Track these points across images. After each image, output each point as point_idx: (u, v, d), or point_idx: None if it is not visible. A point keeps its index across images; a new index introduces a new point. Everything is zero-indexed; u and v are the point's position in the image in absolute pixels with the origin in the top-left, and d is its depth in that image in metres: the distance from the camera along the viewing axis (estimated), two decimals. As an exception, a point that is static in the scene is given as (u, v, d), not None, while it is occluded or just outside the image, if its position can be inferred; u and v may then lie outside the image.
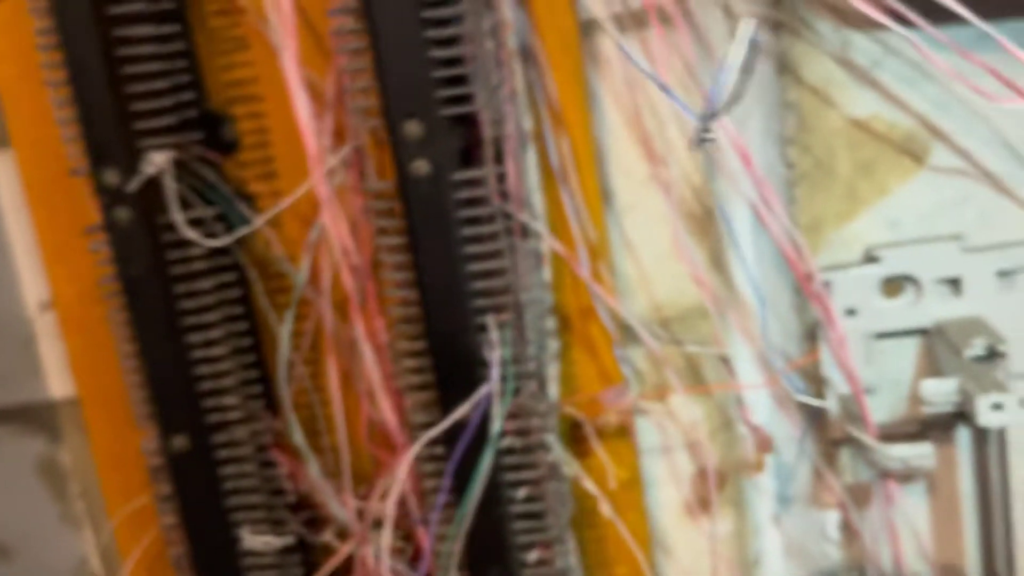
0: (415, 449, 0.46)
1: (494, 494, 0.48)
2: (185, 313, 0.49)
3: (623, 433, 0.53)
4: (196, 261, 0.49)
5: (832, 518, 0.59)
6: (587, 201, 0.51)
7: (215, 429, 0.50)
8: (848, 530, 0.59)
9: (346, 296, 0.50)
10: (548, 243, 0.50)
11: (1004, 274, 0.53)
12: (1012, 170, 0.52)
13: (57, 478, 0.66)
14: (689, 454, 0.58)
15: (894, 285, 0.55)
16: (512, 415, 0.48)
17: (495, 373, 0.45)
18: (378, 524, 0.53)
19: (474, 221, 0.46)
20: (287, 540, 0.52)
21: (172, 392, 0.49)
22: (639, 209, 0.56)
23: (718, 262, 0.57)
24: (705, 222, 0.57)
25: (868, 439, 0.50)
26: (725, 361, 0.50)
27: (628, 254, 0.56)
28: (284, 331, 0.51)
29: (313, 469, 0.52)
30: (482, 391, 0.45)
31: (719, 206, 0.56)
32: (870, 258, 0.54)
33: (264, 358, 0.53)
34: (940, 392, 0.48)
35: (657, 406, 0.57)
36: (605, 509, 0.52)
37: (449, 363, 0.46)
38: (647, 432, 0.58)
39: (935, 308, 0.54)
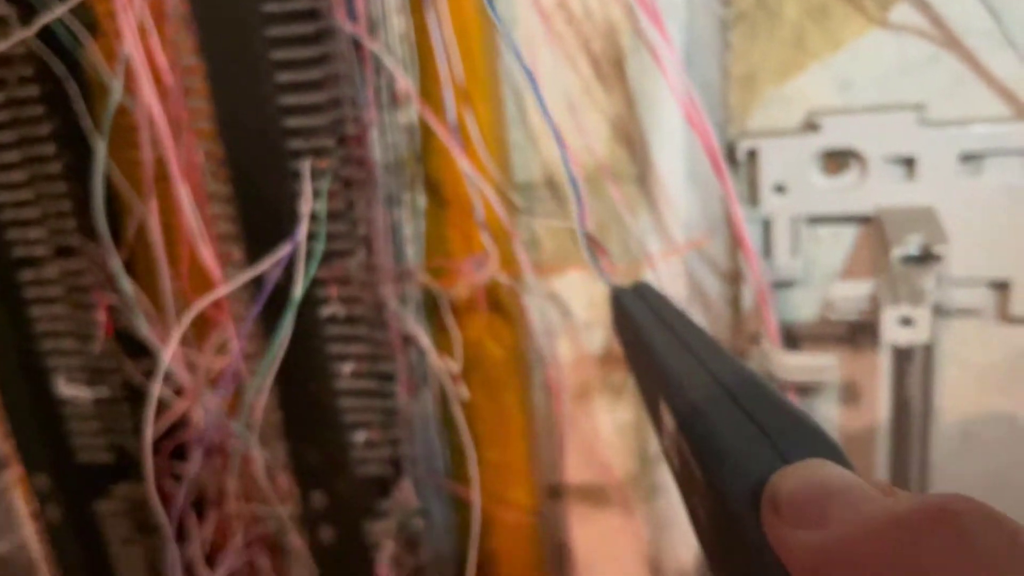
0: (207, 300, 0.39)
1: (317, 366, 0.42)
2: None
3: (497, 307, 0.46)
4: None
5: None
6: (459, 27, 0.42)
7: (20, 265, 0.44)
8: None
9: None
10: (403, 84, 0.41)
11: (968, 158, 0.43)
12: (988, 33, 0.41)
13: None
14: (585, 335, 0.51)
15: (836, 160, 0.45)
16: (340, 281, 0.41)
17: (302, 230, 0.38)
18: (213, 383, 0.47)
19: (293, 41, 0.37)
20: (102, 391, 0.47)
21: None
22: (539, 44, 0.47)
23: (631, 117, 0.48)
24: (619, 66, 0.47)
25: (767, 344, 0.42)
26: (591, 240, 0.42)
27: (517, 102, 0.47)
28: (100, 147, 0.43)
29: (140, 321, 0.46)
30: (282, 250, 0.38)
31: (633, 50, 0.46)
32: (810, 125, 0.45)
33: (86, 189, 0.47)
34: (849, 297, 0.39)
35: (546, 282, 0.49)
36: (453, 389, 0.45)
37: (254, 213, 0.39)
38: (540, 311, 0.51)
39: (881, 192, 0.44)
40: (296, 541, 0.45)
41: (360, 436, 0.43)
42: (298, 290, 0.38)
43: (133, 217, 0.47)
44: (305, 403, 0.42)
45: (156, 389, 0.45)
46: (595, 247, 0.39)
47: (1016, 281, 0.44)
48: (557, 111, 0.47)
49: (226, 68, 0.37)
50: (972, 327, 0.46)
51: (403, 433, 0.45)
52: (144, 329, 0.46)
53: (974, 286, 0.44)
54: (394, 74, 0.41)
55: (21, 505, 0.56)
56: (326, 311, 0.41)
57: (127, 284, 0.46)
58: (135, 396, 0.48)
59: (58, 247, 0.45)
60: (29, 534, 0.54)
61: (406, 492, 0.46)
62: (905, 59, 0.43)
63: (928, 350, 0.42)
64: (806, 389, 0.46)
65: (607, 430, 0.54)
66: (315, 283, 0.41)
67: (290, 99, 0.38)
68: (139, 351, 0.49)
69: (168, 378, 0.49)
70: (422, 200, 0.45)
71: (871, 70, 0.43)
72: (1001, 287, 0.44)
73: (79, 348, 0.46)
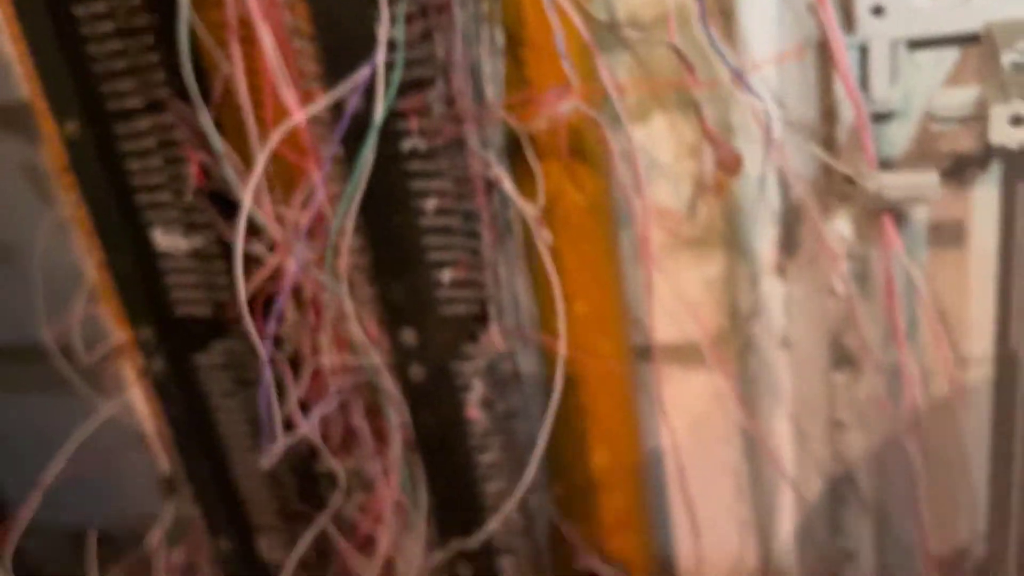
0: (282, 131, 0.40)
1: (400, 201, 0.42)
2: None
3: (580, 151, 0.45)
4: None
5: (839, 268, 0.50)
6: None
7: (113, 117, 0.46)
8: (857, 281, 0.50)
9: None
10: None
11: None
12: None
13: (41, 180, 0.65)
14: (672, 186, 0.50)
15: (940, -24, 0.42)
16: (420, 113, 0.41)
17: (380, 54, 0.38)
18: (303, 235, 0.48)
19: None
20: (196, 242, 0.48)
21: (57, 71, 0.44)
22: None
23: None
24: None
25: (865, 168, 0.40)
26: (683, 59, 0.40)
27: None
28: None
29: (229, 173, 0.47)
30: (361, 73, 0.38)
31: None
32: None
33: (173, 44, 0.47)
34: (953, 104, 0.37)
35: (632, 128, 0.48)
36: (536, 232, 0.45)
37: (333, 41, 0.39)
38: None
39: (988, 5, 0.41)
40: (387, 382, 0.46)
41: (446, 275, 0.44)
42: (378, 115, 0.38)
43: (220, 73, 0.48)
44: (389, 239, 0.42)
45: (241, 238, 0.46)
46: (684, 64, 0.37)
47: None
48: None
49: None
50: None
51: (488, 276, 0.45)
52: (232, 180, 0.47)
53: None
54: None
55: (128, 370, 0.58)
56: (407, 144, 0.41)
57: (216, 138, 0.46)
58: (230, 252, 0.50)
59: (149, 101, 0.46)
60: (136, 395, 0.57)
61: (493, 335, 0.46)
62: None
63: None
64: (903, 214, 0.43)
65: (695, 287, 0.53)
66: (395, 115, 0.40)
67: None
68: (232, 208, 0.50)
69: (260, 234, 0.50)
70: (500, 37, 0.44)
71: None
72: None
73: (173, 201, 0.47)
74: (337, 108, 0.40)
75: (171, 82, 0.46)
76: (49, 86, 0.45)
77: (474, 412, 0.46)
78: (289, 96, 0.43)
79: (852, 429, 0.54)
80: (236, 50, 0.45)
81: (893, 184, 0.39)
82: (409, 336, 0.44)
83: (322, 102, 0.39)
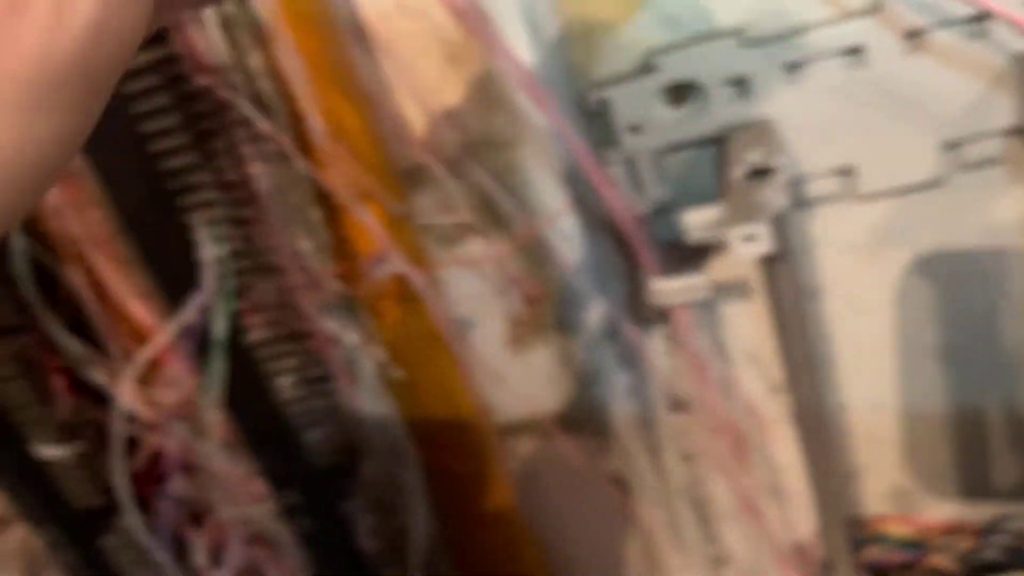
0: (147, 353, 0.44)
1: (256, 386, 0.46)
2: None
3: (402, 297, 0.51)
4: None
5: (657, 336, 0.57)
6: (310, 49, 0.46)
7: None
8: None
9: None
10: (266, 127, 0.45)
11: (792, 67, 0.47)
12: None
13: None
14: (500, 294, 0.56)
15: (679, 92, 0.49)
16: (258, 308, 0.46)
17: (209, 276, 0.42)
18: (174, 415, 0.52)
19: (156, 113, 0.41)
20: (78, 447, 0.52)
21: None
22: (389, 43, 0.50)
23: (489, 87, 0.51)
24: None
25: (650, 275, 0.47)
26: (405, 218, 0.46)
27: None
28: (17, 244, 0.47)
29: (96, 374, 0.51)
30: (195, 299, 0.42)
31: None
32: (646, 67, 0.48)
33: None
34: (700, 225, 0.44)
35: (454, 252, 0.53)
36: (385, 367, 0.50)
37: (165, 270, 0.43)
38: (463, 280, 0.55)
39: (723, 112, 0.48)
40: (283, 534, 0.51)
41: (314, 435, 0.49)
42: (220, 330, 0.43)
43: (64, 285, 0.51)
44: (257, 419, 0.47)
45: (119, 427, 0.50)
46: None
47: (859, 164, 0.48)
48: (416, 99, 0.51)
49: (103, 147, 0.40)
50: (832, 211, 0.51)
51: (352, 422, 0.50)
52: (101, 379, 0.50)
53: (824, 176, 0.49)
54: (256, 114, 0.45)
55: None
56: (252, 337, 0.45)
57: (74, 344, 0.50)
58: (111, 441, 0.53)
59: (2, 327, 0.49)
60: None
61: (370, 469, 0.52)
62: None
63: (783, 249, 0.47)
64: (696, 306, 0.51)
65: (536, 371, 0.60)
66: (237, 315, 0.45)
67: (169, 164, 0.41)
68: (100, 400, 0.53)
69: (133, 420, 0.54)
70: (316, 214, 0.49)
71: (691, 3, 0.47)
72: (847, 172, 0.49)
73: (44, 415, 0.51)
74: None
75: (17, 305, 0.49)
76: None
77: (365, 543, 0.51)
78: (137, 310, 0.47)
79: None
80: (78, 273, 0.48)
81: (668, 290, 0.46)
82: (293, 496, 0.49)
83: (170, 328, 0.43)
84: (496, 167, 0.53)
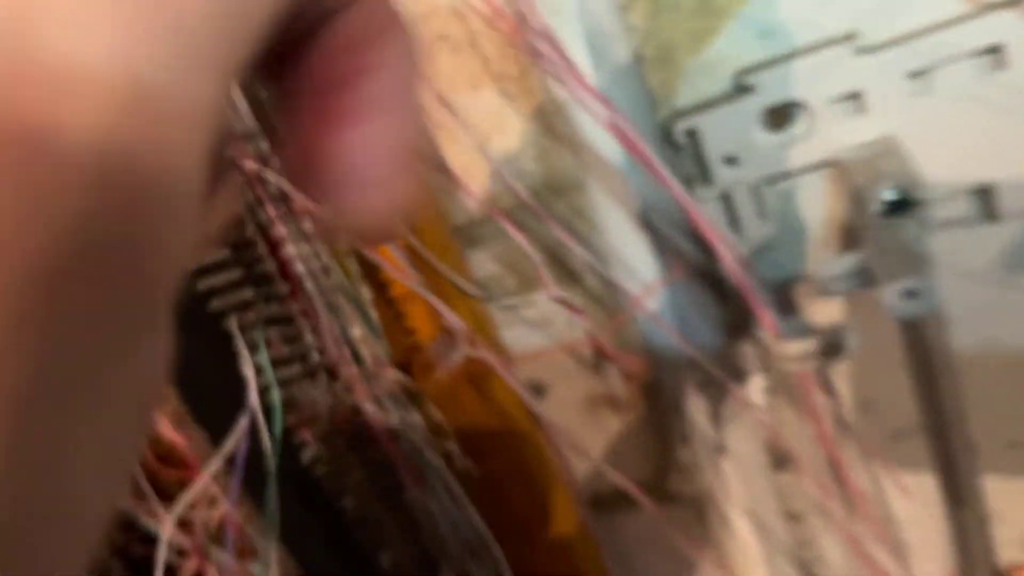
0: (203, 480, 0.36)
1: (316, 508, 0.39)
2: None
3: (469, 386, 0.43)
4: None
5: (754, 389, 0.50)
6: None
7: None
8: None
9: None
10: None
11: (915, 75, 0.39)
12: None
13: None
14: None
15: (779, 114, 0.42)
16: (310, 421, 0.38)
17: (252, 393, 0.35)
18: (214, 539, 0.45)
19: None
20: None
21: None
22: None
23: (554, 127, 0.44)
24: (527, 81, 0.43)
25: (767, 337, 0.40)
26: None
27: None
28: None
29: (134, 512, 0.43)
30: (241, 425, 0.35)
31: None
32: (741, 87, 0.41)
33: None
34: (839, 276, 0.36)
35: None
36: (458, 461, 0.43)
37: (199, 392, 0.35)
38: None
39: (835, 134, 0.41)
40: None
41: (385, 558, 0.41)
42: (271, 463, 0.35)
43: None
44: (319, 550, 0.40)
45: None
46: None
47: (998, 181, 0.41)
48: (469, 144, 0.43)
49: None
50: (964, 235, 0.43)
51: (427, 531, 0.43)
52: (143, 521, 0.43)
53: (956, 197, 0.42)
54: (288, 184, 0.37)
55: None
56: (306, 455, 0.38)
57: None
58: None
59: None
60: None
61: (449, 580, 0.44)
62: (823, -11, 0.39)
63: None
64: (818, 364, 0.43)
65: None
66: (288, 431, 0.37)
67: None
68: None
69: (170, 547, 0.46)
70: (365, 293, 0.41)
71: (790, 9, 0.39)
72: (983, 192, 0.42)
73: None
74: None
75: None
76: None
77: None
78: (176, 440, 0.39)
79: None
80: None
81: (802, 354, 0.39)
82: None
83: (213, 464, 0.36)
84: (563, 214, 0.45)
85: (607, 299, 0.47)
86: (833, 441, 0.48)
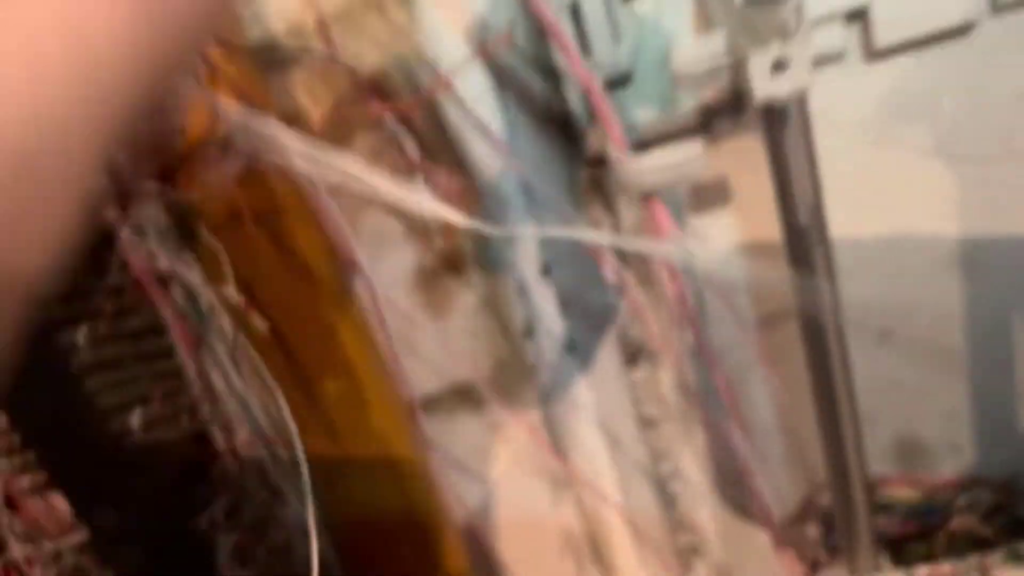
0: None
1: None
2: None
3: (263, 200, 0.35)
4: None
5: (607, 265, 0.43)
6: None
7: None
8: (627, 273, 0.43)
9: None
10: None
11: None
12: None
13: None
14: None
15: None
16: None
17: None
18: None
19: None
20: None
21: None
22: None
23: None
24: None
25: (612, 151, 0.33)
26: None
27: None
28: None
29: None
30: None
31: None
32: None
33: None
34: (701, 56, 0.30)
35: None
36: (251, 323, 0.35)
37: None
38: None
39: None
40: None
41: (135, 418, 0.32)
42: None
43: None
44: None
45: None
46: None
47: (875, 5, 0.36)
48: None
49: None
50: (837, 75, 0.38)
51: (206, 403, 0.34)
52: None
53: (831, 22, 0.37)
54: None
55: None
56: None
57: None
58: None
59: None
60: None
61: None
62: None
63: (802, 109, 0.34)
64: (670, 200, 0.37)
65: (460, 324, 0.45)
66: None
67: None
68: None
69: None
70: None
71: None
72: (859, 16, 0.37)
73: None
74: None
75: None
76: None
77: (226, 570, 0.35)
78: None
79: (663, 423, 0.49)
80: None
81: (653, 167, 0.32)
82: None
83: None
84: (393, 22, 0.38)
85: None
86: (698, 322, 0.43)
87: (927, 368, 0.44)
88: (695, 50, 0.30)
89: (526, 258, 0.43)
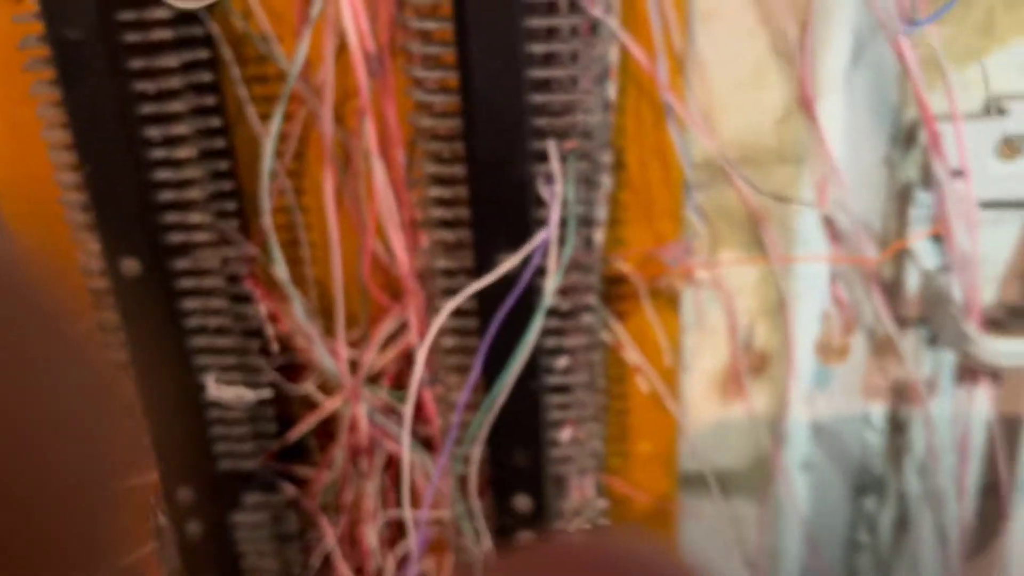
0: (451, 305, 0.36)
1: (530, 363, 0.39)
2: (140, 99, 0.37)
3: (673, 300, 0.44)
4: (157, 28, 0.36)
5: (877, 408, 0.52)
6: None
7: (175, 253, 0.39)
8: (894, 422, 0.52)
9: (350, 93, 0.39)
10: (624, 42, 0.38)
11: None
12: None
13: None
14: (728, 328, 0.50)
15: (1014, 145, 0.45)
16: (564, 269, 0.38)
17: (554, 215, 0.35)
18: (373, 380, 0.44)
19: (536, 8, 0.34)
20: (263, 393, 0.42)
21: (121, 202, 0.37)
22: (719, 19, 0.45)
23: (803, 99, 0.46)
24: (795, 45, 0.46)
25: (968, 327, 0.42)
26: (828, 222, 0.41)
27: (699, 78, 0.45)
28: (271, 130, 0.39)
29: (298, 308, 0.42)
30: (539, 237, 0.35)
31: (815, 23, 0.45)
32: (996, 108, 0.45)
33: (238, 166, 0.42)
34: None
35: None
36: (644, 383, 0.44)
37: (493, 197, 0.36)
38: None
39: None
40: (474, 548, 0.42)
41: (565, 434, 0.41)
42: (551, 284, 0.35)
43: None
44: (513, 401, 0.39)
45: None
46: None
47: None
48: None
49: (483, 51, 0.33)
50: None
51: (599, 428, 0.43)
52: (311, 333, 0.42)
53: None
54: (613, 37, 0.38)
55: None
56: (547, 302, 0.38)
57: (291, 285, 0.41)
58: (282, 399, 0.44)
59: (218, 235, 0.40)
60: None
61: (587, 488, 0.44)
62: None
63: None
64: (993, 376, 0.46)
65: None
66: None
67: (539, 73, 0.34)
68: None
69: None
70: (609, 182, 0.42)
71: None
72: None
73: (235, 345, 0.41)
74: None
75: (240, 212, 0.41)
76: (106, 215, 0.38)
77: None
78: (398, 245, 0.39)
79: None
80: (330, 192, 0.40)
81: (1009, 352, 0.41)
82: (523, 503, 0.41)
83: (490, 276, 0.35)
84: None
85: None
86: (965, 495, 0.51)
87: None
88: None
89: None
